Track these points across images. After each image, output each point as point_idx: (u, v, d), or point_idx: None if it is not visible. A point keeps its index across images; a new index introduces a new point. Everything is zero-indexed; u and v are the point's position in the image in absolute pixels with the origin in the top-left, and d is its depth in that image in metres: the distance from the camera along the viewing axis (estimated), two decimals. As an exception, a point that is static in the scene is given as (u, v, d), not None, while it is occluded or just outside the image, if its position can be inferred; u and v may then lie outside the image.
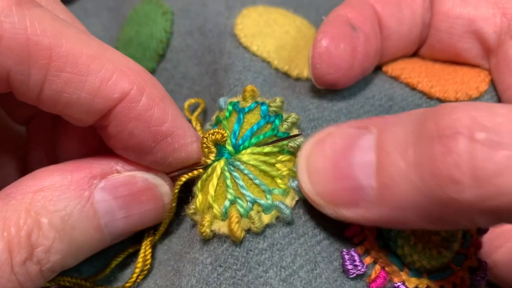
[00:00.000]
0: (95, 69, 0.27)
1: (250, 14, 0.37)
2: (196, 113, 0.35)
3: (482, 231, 0.33)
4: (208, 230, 0.28)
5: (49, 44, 0.26)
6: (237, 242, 0.27)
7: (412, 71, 0.37)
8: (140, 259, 0.31)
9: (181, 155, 0.30)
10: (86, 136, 0.32)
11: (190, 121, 0.34)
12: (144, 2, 0.41)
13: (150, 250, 0.31)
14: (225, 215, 0.28)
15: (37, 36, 0.26)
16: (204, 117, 0.37)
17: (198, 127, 0.34)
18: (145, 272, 0.31)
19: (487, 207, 0.23)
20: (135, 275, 0.30)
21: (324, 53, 0.31)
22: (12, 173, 0.35)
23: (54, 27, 0.26)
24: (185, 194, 0.31)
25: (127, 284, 0.30)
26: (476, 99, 0.36)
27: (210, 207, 0.29)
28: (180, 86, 0.38)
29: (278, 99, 0.31)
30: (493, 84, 0.37)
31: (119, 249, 0.32)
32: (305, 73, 0.36)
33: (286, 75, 0.36)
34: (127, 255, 0.32)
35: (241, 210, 0.28)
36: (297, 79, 0.36)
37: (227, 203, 0.28)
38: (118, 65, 0.28)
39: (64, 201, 0.27)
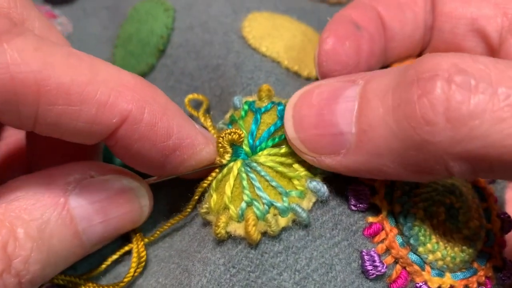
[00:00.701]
0: (88, 96, 0.25)
1: (256, 18, 0.37)
2: (201, 110, 0.34)
3: (506, 229, 0.32)
4: (223, 232, 0.27)
5: (35, 79, 0.24)
6: (252, 245, 0.27)
7: None
8: (135, 254, 0.30)
9: (191, 164, 0.29)
10: (60, 144, 0.30)
11: (191, 116, 0.33)
12: (145, 0, 0.41)
13: (142, 244, 0.31)
14: (241, 217, 0.28)
15: (21, 72, 0.24)
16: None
17: (208, 123, 0.33)
18: (142, 265, 0.30)
19: (460, 150, 0.23)
20: (132, 270, 0.30)
21: (330, 50, 0.31)
22: None
23: (38, 58, 0.24)
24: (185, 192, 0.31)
25: (125, 279, 0.30)
26: None
27: (226, 208, 0.28)
28: (180, 82, 0.37)
29: None
30: None
31: (114, 247, 0.31)
32: (315, 73, 0.36)
33: (296, 74, 0.35)
34: (123, 254, 0.31)
35: (258, 212, 0.27)
36: (308, 78, 0.36)
37: (243, 205, 0.28)
38: (113, 86, 0.26)
39: (39, 209, 0.26)
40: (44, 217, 0.26)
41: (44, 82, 0.24)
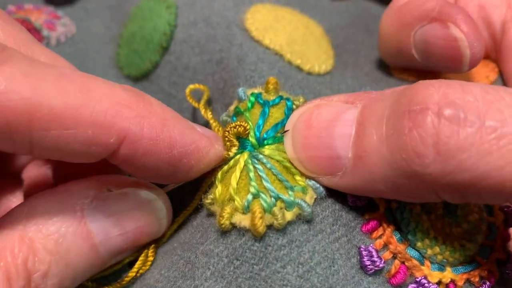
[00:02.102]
0: (83, 119, 0.24)
1: (259, 10, 0.37)
2: (202, 101, 0.34)
3: (509, 222, 0.32)
4: (227, 222, 0.27)
5: (26, 107, 0.23)
6: (257, 237, 0.27)
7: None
8: (142, 255, 0.30)
9: (200, 168, 0.29)
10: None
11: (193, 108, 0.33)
12: None
13: (153, 247, 0.31)
14: (247, 209, 0.27)
15: (11, 101, 0.23)
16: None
17: (209, 115, 0.33)
18: (147, 267, 0.31)
19: (450, 182, 0.23)
20: (135, 269, 0.30)
21: (477, 28, 0.32)
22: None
23: (28, 84, 0.23)
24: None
25: (127, 278, 0.30)
26: None
27: (231, 199, 0.28)
28: (183, 77, 0.37)
29: (301, 98, 0.31)
30: (500, 73, 0.37)
31: None
32: (316, 68, 0.36)
33: (298, 68, 0.35)
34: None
35: (265, 205, 0.27)
36: (309, 73, 0.36)
37: (249, 196, 0.28)
38: (108, 105, 0.25)
39: (56, 224, 0.26)
40: (61, 231, 0.26)
41: (36, 109, 0.23)
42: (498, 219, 0.31)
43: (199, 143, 0.28)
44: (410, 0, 0.34)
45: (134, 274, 0.30)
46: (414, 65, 0.36)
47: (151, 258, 0.31)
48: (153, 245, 0.31)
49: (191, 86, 0.34)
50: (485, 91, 0.24)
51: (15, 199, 0.30)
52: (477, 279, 0.29)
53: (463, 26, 0.31)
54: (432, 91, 0.24)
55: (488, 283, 0.29)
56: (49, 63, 0.26)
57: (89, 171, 0.30)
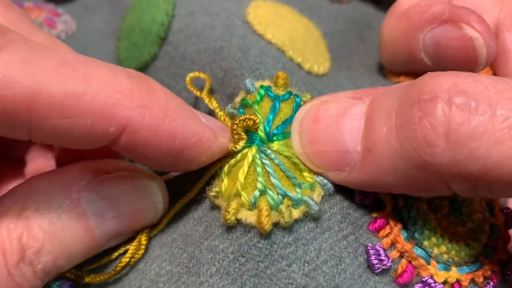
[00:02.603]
0: (83, 108, 0.24)
1: (261, 5, 0.37)
2: (205, 90, 0.33)
3: (510, 224, 0.32)
4: (233, 218, 0.27)
5: (25, 95, 0.23)
6: (263, 234, 0.27)
7: None
8: (135, 241, 0.30)
9: (202, 160, 0.29)
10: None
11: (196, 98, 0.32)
12: None
13: (147, 231, 0.30)
14: (253, 205, 0.27)
15: (10, 89, 0.23)
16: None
17: (214, 104, 0.32)
18: (141, 252, 0.30)
19: (460, 171, 0.23)
20: (129, 254, 0.30)
21: (490, 28, 0.32)
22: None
23: (27, 72, 0.23)
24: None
25: (120, 264, 0.29)
26: None
27: (237, 194, 0.28)
28: (181, 67, 0.36)
29: (308, 95, 0.31)
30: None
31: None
32: (315, 68, 0.36)
33: (299, 66, 0.35)
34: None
35: (272, 202, 0.27)
36: (308, 72, 0.35)
37: (257, 193, 0.27)
38: (109, 94, 0.25)
39: (52, 204, 0.27)
40: (57, 211, 0.27)
41: (35, 97, 0.23)
42: (499, 220, 0.32)
43: (202, 135, 0.28)
44: (414, 5, 0.34)
45: (127, 259, 0.30)
46: (422, 70, 0.36)
47: (144, 242, 0.30)
48: (146, 230, 0.30)
49: (191, 74, 0.34)
50: (495, 81, 0.24)
51: (17, 182, 0.30)
52: (481, 280, 0.29)
53: (477, 26, 0.31)
54: (441, 80, 0.24)
55: (492, 283, 0.29)
56: (50, 47, 0.25)
57: (91, 154, 0.30)
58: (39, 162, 0.35)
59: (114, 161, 0.30)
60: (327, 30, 0.40)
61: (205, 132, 0.28)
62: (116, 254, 0.30)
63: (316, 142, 0.28)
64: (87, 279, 0.29)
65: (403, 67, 0.37)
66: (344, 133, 0.27)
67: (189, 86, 0.33)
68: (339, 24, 0.43)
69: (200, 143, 0.28)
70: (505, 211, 0.32)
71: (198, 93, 0.33)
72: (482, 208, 0.31)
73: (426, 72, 0.34)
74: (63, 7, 0.45)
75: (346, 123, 0.27)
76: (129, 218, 0.29)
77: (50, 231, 0.27)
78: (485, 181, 0.23)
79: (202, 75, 0.34)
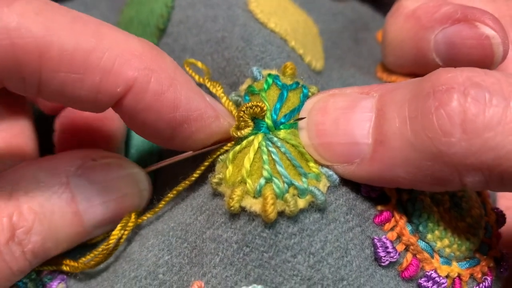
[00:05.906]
0: (92, 64, 0.24)
1: None
2: (206, 75, 0.33)
3: (500, 223, 0.33)
4: (237, 205, 0.26)
5: (37, 45, 0.23)
6: (267, 223, 0.26)
7: None
8: (123, 220, 0.30)
9: (199, 137, 0.28)
10: (83, 136, 0.34)
11: (200, 85, 0.31)
12: None
13: (136, 211, 0.30)
14: (258, 193, 0.26)
15: (22, 38, 0.23)
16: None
17: (219, 90, 0.31)
18: (129, 229, 0.30)
19: (474, 161, 0.23)
20: (116, 231, 0.29)
21: (503, 26, 0.32)
22: None
23: (40, 23, 0.23)
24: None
25: (110, 241, 0.29)
26: None
27: (242, 181, 0.27)
28: (180, 58, 0.35)
29: (314, 87, 0.31)
30: None
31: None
32: (313, 63, 0.36)
33: (300, 58, 0.35)
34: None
35: (278, 190, 0.26)
36: (308, 65, 0.35)
37: (262, 180, 0.26)
38: (119, 53, 0.25)
39: (42, 188, 0.28)
40: (47, 194, 0.28)
41: (46, 49, 0.24)
42: (491, 218, 0.32)
43: (204, 111, 0.28)
44: (421, 6, 0.34)
45: (116, 236, 0.29)
46: (431, 70, 0.37)
47: (133, 220, 0.30)
48: (134, 211, 0.30)
49: (189, 60, 0.33)
50: (506, 75, 0.24)
51: None
52: (479, 275, 0.29)
53: (493, 25, 0.32)
54: (456, 73, 0.24)
55: (489, 279, 0.30)
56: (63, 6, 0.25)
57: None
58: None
59: (102, 151, 0.31)
60: (324, 28, 0.40)
61: (207, 109, 0.28)
62: (112, 240, 0.29)
63: (324, 134, 0.27)
64: (81, 267, 0.29)
65: (411, 68, 0.37)
66: (354, 126, 0.27)
67: (187, 69, 0.33)
68: (336, 22, 0.43)
69: (200, 119, 0.28)
70: (495, 210, 0.33)
71: (200, 80, 0.33)
72: (479, 204, 0.31)
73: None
74: (63, 5, 0.44)
75: (356, 115, 0.27)
76: (116, 203, 0.30)
77: (41, 213, 0.27)
78: (498, 172, 0.24)
79: (199, 64, 0.33)
